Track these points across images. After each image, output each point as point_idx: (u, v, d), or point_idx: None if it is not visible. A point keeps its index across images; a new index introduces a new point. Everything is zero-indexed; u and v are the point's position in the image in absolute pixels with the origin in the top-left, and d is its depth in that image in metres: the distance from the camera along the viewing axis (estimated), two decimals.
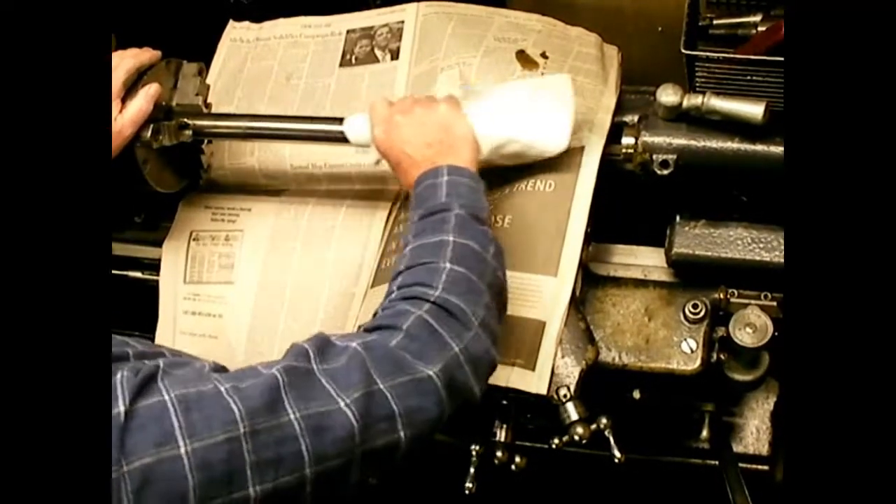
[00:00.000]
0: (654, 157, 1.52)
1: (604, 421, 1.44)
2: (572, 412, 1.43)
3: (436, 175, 1.32)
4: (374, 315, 1.19)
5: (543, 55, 1.64)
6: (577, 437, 1.42)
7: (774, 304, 1.51)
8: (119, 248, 1.75)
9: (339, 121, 1.55)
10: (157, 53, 1.56)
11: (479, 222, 1.27)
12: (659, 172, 1.52)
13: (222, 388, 1.00)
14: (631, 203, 1.61)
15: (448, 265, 1.17)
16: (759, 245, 1.52)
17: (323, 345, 1.08)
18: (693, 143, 1.50)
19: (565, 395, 1.43)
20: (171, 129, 1.56)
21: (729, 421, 1.73)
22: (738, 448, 1.72)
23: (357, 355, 1.06)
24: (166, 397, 0.98)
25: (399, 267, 1.23)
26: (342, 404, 1.02)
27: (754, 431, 1.74)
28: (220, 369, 1.11)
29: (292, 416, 1.00)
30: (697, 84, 1.51)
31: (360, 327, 1.19)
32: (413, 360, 1.08)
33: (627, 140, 1.54)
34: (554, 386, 1.43)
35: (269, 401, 0.99)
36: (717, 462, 1.69)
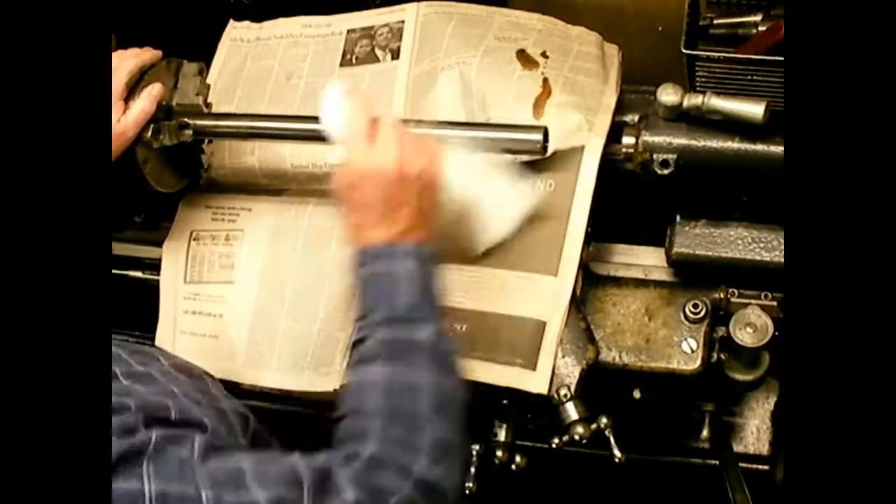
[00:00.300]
0: (655, 156, 1.52)
1: (604, 421, 1.44)
2: (572, 412, 1.43)
3: (391, 257, 1.20)
4: (352, 452, 1.10)
5: (544, 54, 1.64)
6: (577, 437, 1.42)
7: (775, 303, 1.51)
8: (119, 248, 1.75)
9: None
10: (158, 53, 1.56)
11: (444, 335, 1.20)
12: (659, 172, 1.52)
13: (204, 497, 0.97)
14: (631, 203, 1.61)
15: (430, 422, 1.12)
16: (760, 245, 1.52)
17: (321, 482, 1.04)
18: (693, 142, 1.50)
19: (566, 395, 1.43)
20: (171, 129, 1.56)
21: (729, 421, 1.73)
22: (738, 448, 1.72)
23: None
24: (145, 488, 0.96)
25: (367, 400, 1.14)
26: None
27: (755, 431, 1.74)
28: (217, 446, 1.06)
29: None
30: (698, 84, 1.51)
31: (347, 457, 1.10)
32: None
33: (628, 140, 1.54)
34: (554, 386, 1.43)
35: None
36: (717, 462, 1.69)
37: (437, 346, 1.18)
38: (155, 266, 1.73)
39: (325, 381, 1.57)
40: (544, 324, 1.45)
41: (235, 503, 0.99)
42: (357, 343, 1.20)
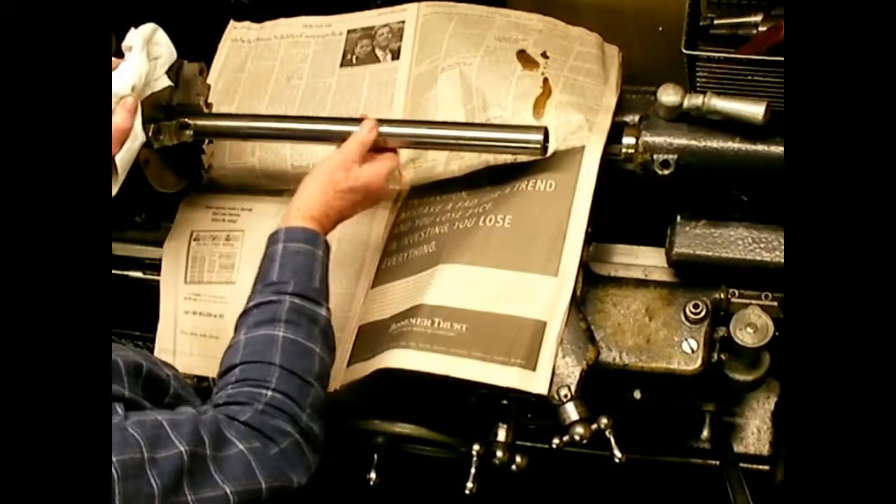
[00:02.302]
0: (655, 157, 1.52)
1: (604, 421, 1.44)
2: (573, 412, 1.42)
3: (314, 243, 1.43)
4: (250, 396, 1.29)
5: (544, 55, 1.64)
6: (577, 438, 1.42)
7: (775, 304, 1.51)
8: (119, 248, 1.75)
9: (340, 121, 1.55)
10: None
11: (310, 302, 1.39)
12: (660, 172, 1.52)
13: (146, 457, 1.13)
14: (631, 203, 1.61)
15: (315, 385, 1.33)
16: (760, 245, 1.52)
17: (216, 439, 1.22)
18: (694, 143, 1.50)
19: (566, 395, 1.42)
20: (171, 129, 1.56)
21: (730, 421, 1.73)
22: (738, 448, 1.72)
23: (243, 456, 1.23)
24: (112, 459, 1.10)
25: (274, 354, 1.32)
26: (228, 490, 1.20)
27: (755, 431, 1.74)
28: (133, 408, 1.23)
29: (189, 498, 1.16)
30: (698, 84, 1.51)
31: (238, 404, 1.28)
32: (288, 471, 1.27)
33: (628, 140, 1.54)
34: (554, 386, 1.43)
35: (175, 482, 1.15)
36: (717, 462, 1.69)
37: (327, 329, 1.39)
38: (155, 266, 1.73)
39: None
40: (544, 324, 1.44)
41: (165, 457, 1.15)
42: (265, 303, 1.37)
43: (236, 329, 1.38)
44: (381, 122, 1.55)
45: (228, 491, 1.19)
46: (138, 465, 1.11)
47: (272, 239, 1.43)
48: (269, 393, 1.28)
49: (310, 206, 1.45)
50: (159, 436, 1.16)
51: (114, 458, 1.10)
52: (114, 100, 1.42)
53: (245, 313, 1.38)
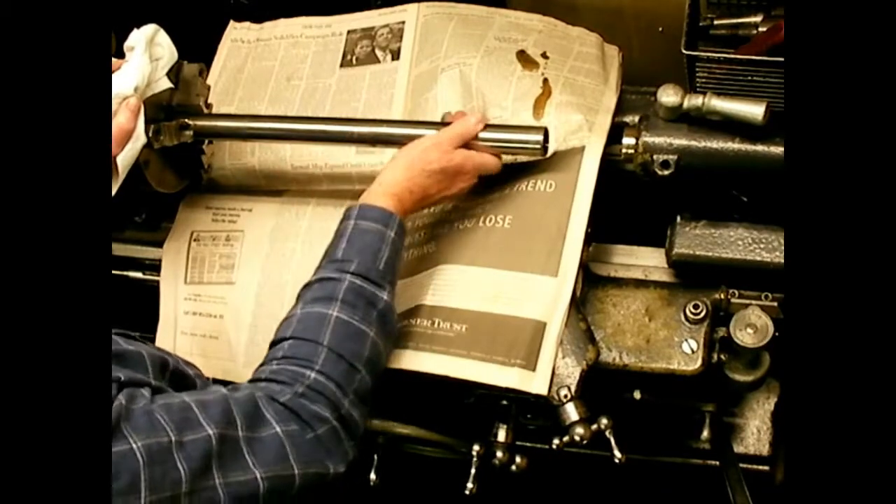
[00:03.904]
0: (655, 157, 1.52)
1: (604, 421, 1.44)
2: (573, 412, 1.42)
3: (387, 224, 1.39)
4: (294, 376, 1.27)
5: (544, 55, 1.64)
6: (577, 438, 1.42)
7: (775, 304, 1.51)
8: (119, 248, 1.75)
9: (340, 121, 1.55)
10: None
11: (394, 309, 1.38)
12: (659, 173, 1.52)
13: (173, 441, 1.12)
14: (631, 203, 1.61)
15: (363, 370, 1.31)
16: (760, 245, 1.52)
17: (251, 419, 1.20)
18: (694, 143, 1.50)
19: (566, 396, 1.42)
20: (171, 130, 1.56)
21: (730, 421, 1.73)
22: (738, 448, 1.72)
23: (277, 438, 1.21)
24: (134, 446, 1.09)
25: (324, 334, 1.30)
26: (258, 475, 1.18)
27: (755, 432, 1.74)
28: (158, 391, 1.21)
29: (218, 482, 1.15)
30: (698, 84, 1.51)
31: (279, 383, 1.27)
32: (324, 459, 1.25)
33: (628, 140, 1.54)
34: (554, 386, 1.43)
35: (204, 466, 1.14)
36: (717, 462, 1.69)
37: (387, 314, 1.36)
38: (155, 266, 1.73)
39: None
40: (544, 324, 1.45)
41: (193, 440, 1.13)
42: (326, 279, 1.35)
43: (297, 300, 1.37)
44: (381, 122, 1.55)
45: (259, 475, 1.17)
46: (165, 449, 1.10)
47: (346, 214, 1.41)
48: (313, 375, 1.26)
49: (392, 182, 1.42)
50: (187, 418, 1.14)
51: (140, 443, 1.09)
52: (116, 100, 1.42)
53: (307, 286, 1.37)
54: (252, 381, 1.28)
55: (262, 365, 1.31)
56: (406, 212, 1.43)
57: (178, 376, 1.30)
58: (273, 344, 1.33)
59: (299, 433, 1.22)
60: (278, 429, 1.20)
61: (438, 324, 1.48)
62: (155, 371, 1.25)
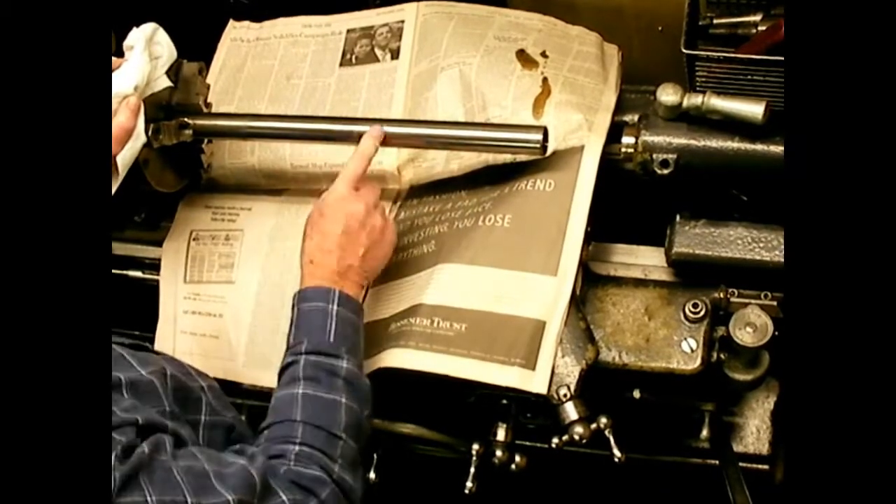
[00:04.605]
0: (655, 156, 1.52)
1: (604, 420, 1.44)
2: (572, 412, 1.43)
3: (326, 299, 1.39)
4: (281, 451, 1.28)
5: (543, 54, 1.64)
6: (577, 437, 1.42)
7: (774, 303, 1.51)
8: (119, 248, 1.75)
9: (340, 120, 1.55)
10: None
11: (360, 372, 1.39)
12: (659, 172, 1.52)
13: (189, 502, 1.11)
14: (631, 203, 1.61)
15: (343, 436, 1.31)
16: (760, 245, 1.52)
17: (265, 485, 1.19)
18: (693, 142, 1.50)
19: (565, 395, 1.43)
20: (171, 129, 1.56)
21: (729, 420, 1.73)
22: (738, 448, 1.72)
23: None
24: (148, 499, 1.08)
25: (295, 411, 1.31)
26: None
27: (754, 431, 1.74)
28: (178, 443, 1.19)
29: None
30: (698, 83, 1.51)
31: (272, 458, 1.27)
32: None
33: (627, 139, 1.54)
34: (554, 385, 1.43)
35: None
36: (717, 462, 1.69)
37: (352, 380, 1.36)
38: (155, 266, 1.73)
39: None
40: (544, 323, 1.45)
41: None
42: (287, 366, 1.37)
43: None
44: (381, 121, 1.55)
45: None
46: None
47: (292, 303, 1.43)
48: (297, 448, 1.27)
49: (320, 258, 1.43)
50: (205, 486, 1.13)
51: (155, 498, 1.08)
52: (117, 99, 1.42)
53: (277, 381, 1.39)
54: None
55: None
56: (346, 278, 1.42)
57: (181, 392, 1.30)
58: (258, 434, 1.34)
59: (303, 501, 1.22)
60: (284, 497, 1.20)
61: (438, 323, 1.48)
62: (168, 398, 1.25)
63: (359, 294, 1.44)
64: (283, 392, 1.34)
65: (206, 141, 1.70)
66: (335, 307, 1.39)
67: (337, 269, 1.42)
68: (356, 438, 1.32)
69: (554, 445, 1.45)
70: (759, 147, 1.47)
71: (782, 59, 1.40)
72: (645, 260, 1.61)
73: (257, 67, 1.82)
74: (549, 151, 1.53)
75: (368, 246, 1.44)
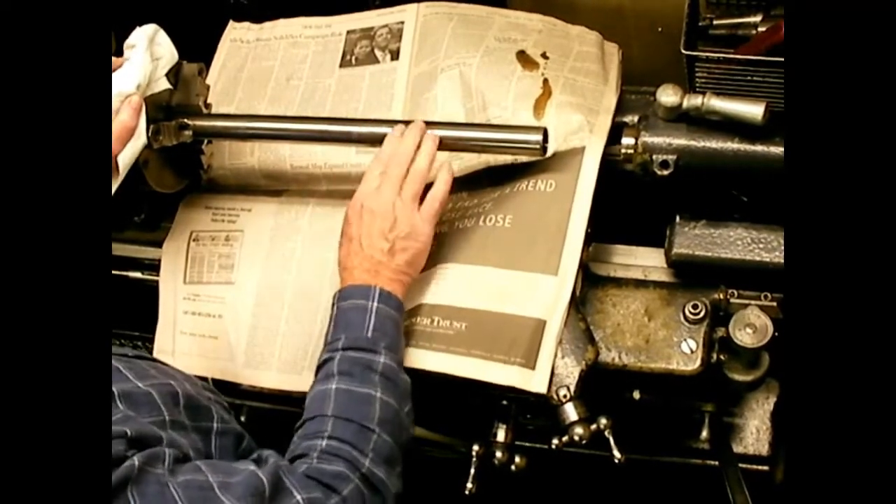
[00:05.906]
0: (654, 157, 1.52)
1: (604, 421, 1.44)
2: (572, 412, 1.43)
3: (366, 296, 1.39)
4: (307, 447, 1.27)
5: (544, 55, 1.64)
6: (576, 438, 1.42)
7: (774, 304, 1.51)
8: (119, 248, 1.75)
9: (340, 121, 1.55)
10: None
11: (399, 368, 1.37)
12: (659, 173, 1.52)
13: None
14: (631, 203, 1.61)
15: (377, 430, 1.28)
16: (760, 245, 1.52)
17: (275, 487, 1.16)
18: (693, 143, 1.50)
19: (565, 396, 1.43)
20: (171, 130, 1.56)
21: (729, 421, 1.73)
22: (738, 448, 1.72)
23: None
24: None
25: (327, 406, 1.30)
26: None
27: (754, 432, 1.74)
28: (179, 458, 1.15)
29: None
30: (697, 84, 1.51)
31: (296, 458, 1.26)
32: None
33: (627, 140, 1.54)
34: (554, 386, 1.43)
35: None
36: (717, 462, 1.69)
37: (390, 375, 1.34)
38: (155, 266, 1.73)
39: None
40: (544, 323, 1.45)
41: None
42: (323, 363, 1.36)
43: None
44: (381, 122, 1.55)
45: None
46: None
47: (332, 303, 1.43)
48: (325, 442, 1.26)
49: (357, 257, 1.44)
50: (207, 498, 1.10)
51: None
52: (118, 99, 1.42)
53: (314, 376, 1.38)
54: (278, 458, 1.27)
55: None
56: (382, 276, 1.42)
57: (193, 409, 1.28)
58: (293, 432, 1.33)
59: (323, 499, 1.19)
60: (300, 496, 1.17)
61: (438, 322, 1.48)
62: (168, 406, 1.23)
63: (401, 291, 1.43)
64: (317, 389, 1.33)
65: (205, 142, 1.70)
66: (375, 304, 1.39)
67: (377, 265, 1.42)
68: (392, 434, 1.29)
69: (554, 446, 1.45)
70: (759, 148, 1.47)
71: (782, 59, 1.40)
72: (645, 261, 1.61)
73: (257, 68, 1.82)
74: (550, 152, 1.54)
75: (409, 243, 1.44)
